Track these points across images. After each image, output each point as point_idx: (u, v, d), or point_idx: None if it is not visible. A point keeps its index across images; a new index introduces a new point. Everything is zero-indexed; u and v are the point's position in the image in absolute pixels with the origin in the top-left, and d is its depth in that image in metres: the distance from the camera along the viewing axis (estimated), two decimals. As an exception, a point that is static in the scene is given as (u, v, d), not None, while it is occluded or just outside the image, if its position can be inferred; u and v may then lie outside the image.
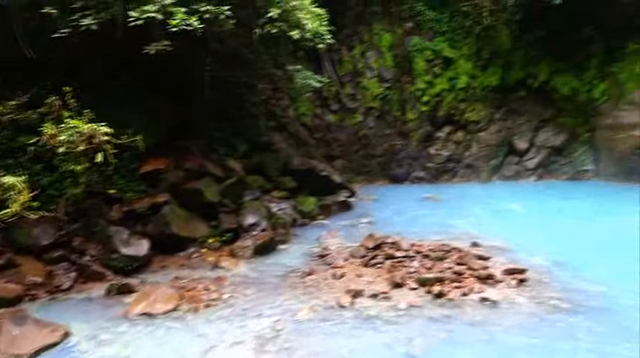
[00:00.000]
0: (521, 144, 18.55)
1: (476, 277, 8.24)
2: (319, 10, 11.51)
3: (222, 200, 11.08)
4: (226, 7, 9.36)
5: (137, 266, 9.14)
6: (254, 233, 10.69)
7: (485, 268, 8.65)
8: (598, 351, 6.13)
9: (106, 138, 8.31)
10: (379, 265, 9.04)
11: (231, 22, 9.57)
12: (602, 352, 6.11)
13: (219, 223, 10.73)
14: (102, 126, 8.31)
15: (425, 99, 18.89)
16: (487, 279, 8.20)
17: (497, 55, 18.79)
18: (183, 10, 8.87)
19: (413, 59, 18.97)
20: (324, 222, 12.86)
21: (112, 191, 9.82)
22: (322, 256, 9.88)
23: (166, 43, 8.80)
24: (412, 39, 19.08)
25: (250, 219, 11.01)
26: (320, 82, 14.86)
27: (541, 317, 7.04)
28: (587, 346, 6.25)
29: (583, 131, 18.18)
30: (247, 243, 10.30)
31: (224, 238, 10.47)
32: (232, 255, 9.98)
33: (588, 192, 15.98)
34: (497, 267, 8.83)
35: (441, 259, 9.04)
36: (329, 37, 11.82)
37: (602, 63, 17.76)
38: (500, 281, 8.21)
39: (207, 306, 7.60)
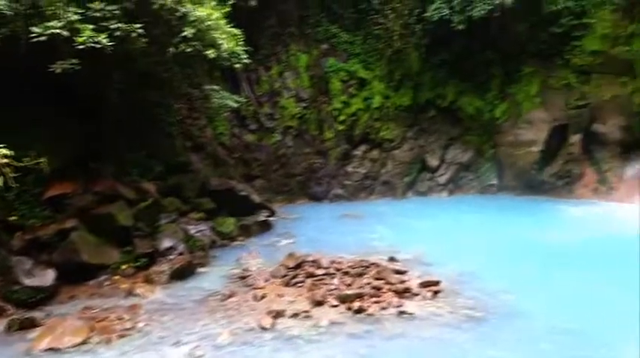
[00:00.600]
0: (433, 161, 19.45)
1: (394, 291, 8.46)
2: (235, 30, 11.48)
3: (136, 224, 10.61)
4: (138, 25, 9.09)
5: (42, 297, 8.50)
6: (171, 257, 10.33)
7: (403, 282, 8.92)
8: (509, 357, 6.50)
9: (5, 160, 7.70)
10: (300, 284, 9.04)
11: (144, 40, 9.30)
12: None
13: (133, 248, 10.25)
14: (0, 148, 7.70)
15: (341, 118, 19.32)
16: (404, 293, 8.45)
17: (408, 77, 19.67)
18: (91, 27, 8.51)
19: (329, 80, 19.40)
20: (245, 242, 12.69)
21: (12, 218, 9.10)
22: (243, 278, 9.72)
23: (74, 61, 8.38)
24: (328, 60, 19.53)
25: (167, 243, 10.62)
26: (237, 101, 14.76)
27: (456, 327, 7.34)
28: (499, 352, 6.59)
29: (488, 148, 19.38)
30: (164, 267, 9.92)
31: (139, 264, 10.01)
32: (148, 280, 9.55)
33: (493, 206, 16.99)
34: (413, 280, 9.13)
35: (361, 275, 9.20)
36: (245, 56, 11.80)
37: (502, 84, 19.09)
38: (417, 294, 8.48)
39: (121, 337, 7.21)
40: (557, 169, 17.91)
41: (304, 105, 19.20)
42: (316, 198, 18.66)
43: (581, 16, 17.30)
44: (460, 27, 16.98)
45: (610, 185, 16.86)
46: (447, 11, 17.37)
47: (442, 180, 19.28)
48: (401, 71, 19.61)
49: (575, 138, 17.67)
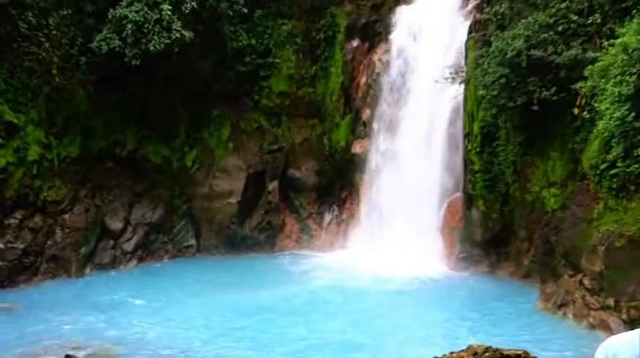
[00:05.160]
0: (115, 224, 18.84)
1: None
2: None
3: None
4: None
5: None
6: None
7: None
8: None
9: None
10: None
11: None
12: None
13: None
14: None
15: (-17, 177, 17.28)
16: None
17: (74, 121, 18.78)
18: None
19: (-40, 126, 17.22)
20: None
21: None
22: None
23: None
24: (-43, 99, 17.37)
25: None
26: None
27: None
28: None
29: (181, 203, 19.79)
30: None
31: None
32: None
33: (192, 272, 17.40)
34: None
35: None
36: None
37: (190, 129, 19.96)
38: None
39: None
40: (257, 221, 19.50)
41: None
42: (-50, 292, 16.03)
43: (266, 55, 19.63)
44: (135, 62, 17.23)
45: (311, 233, 19.21)
46: (117, 42, 17.42)
47: (129, 246, 18.81)
48: (65, 114, 18.68)
49: (273, 186, 19.64)
